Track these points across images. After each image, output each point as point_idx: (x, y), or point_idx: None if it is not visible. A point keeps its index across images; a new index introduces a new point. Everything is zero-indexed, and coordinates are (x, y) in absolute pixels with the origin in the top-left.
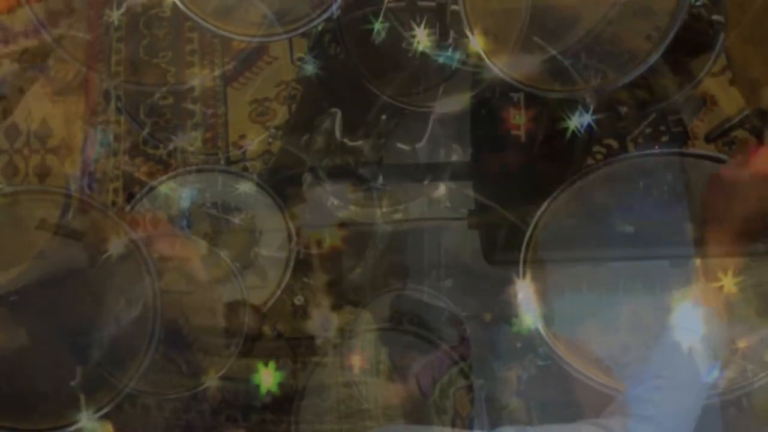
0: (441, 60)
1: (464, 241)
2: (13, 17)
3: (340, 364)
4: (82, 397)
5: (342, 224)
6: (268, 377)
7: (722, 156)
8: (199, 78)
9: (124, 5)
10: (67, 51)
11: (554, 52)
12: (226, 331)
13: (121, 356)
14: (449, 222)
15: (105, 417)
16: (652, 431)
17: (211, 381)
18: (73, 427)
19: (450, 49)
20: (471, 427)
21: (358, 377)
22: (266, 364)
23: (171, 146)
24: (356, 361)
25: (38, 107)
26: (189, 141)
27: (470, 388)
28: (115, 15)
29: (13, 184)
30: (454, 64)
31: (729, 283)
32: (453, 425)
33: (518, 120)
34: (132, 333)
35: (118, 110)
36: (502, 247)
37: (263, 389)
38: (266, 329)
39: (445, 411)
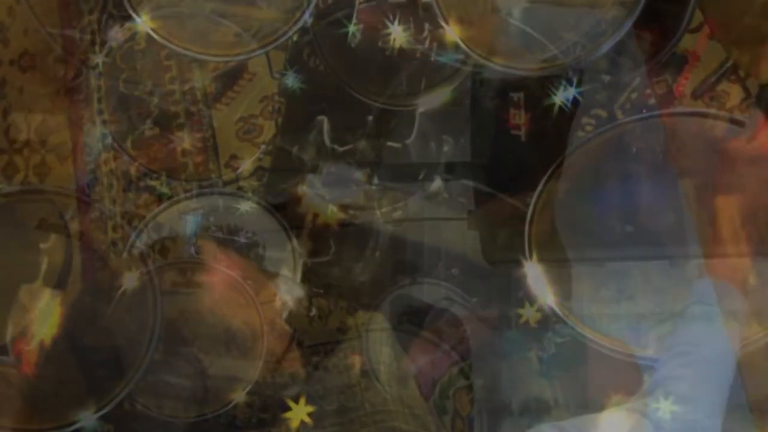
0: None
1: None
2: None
3: (360, 365)
4: None
5: (344, 225)
6: (299, 412)
7: (710, 111)
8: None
9: (107, 47)
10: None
11: (532, 32)
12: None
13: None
14: (450, 213)
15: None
16: (687, 409)
17: (240, 397)
18: (73, 427)
19: (427, 42)
20: (471, 428)
21: (380, 377)
22: (296, 400)
23: (171, 146)
24: (376, 362)
25: (38, 107)
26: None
27: (470, 388)
28: (98, 58)
29: (13, 184)
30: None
31: None
32: (453, 425)
33: (518, 120)
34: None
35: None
36: (503, 247)
37: (296, 422)
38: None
39: (445, 411)
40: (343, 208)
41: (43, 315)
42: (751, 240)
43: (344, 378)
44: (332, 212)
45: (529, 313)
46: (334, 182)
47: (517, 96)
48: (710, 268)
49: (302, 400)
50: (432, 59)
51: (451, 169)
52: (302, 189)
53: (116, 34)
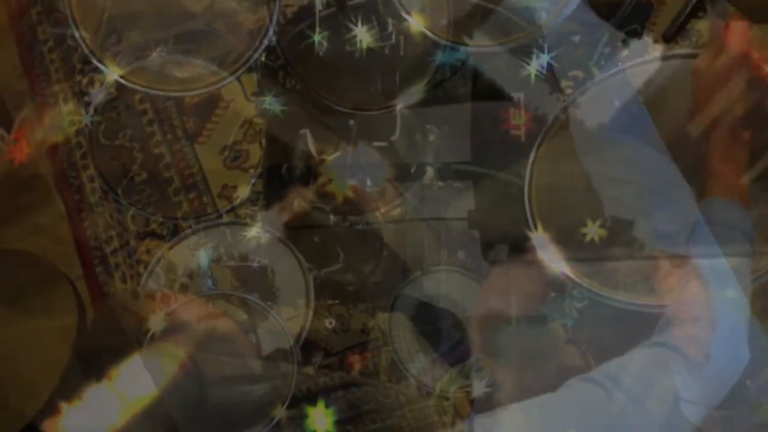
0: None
1: (461, 211)
2: None
3: (388, 362)
4: None
5: (348, 226)
6: (321, 418)
7: (684, 51)
8: None
9: (91, 107)
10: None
11: (494, 6)
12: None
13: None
14: (449, 200)
15: None
16: (706, 330)
17: (281, 413)
18: None
19: (392, 36)
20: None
21: (410, 371)
22: (314, 403)
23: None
24: (405, 359)
25: None
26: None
27: (470, 388)
28: (87, 118)
29: None
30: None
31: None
32: (453, 425)
33: (518, 120)
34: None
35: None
36: (502, 246)
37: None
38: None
39: (445, 411)
40: (344, 213)
41: (60, 120)
42: (745, 153)
43: (375, 376)
44: (346, 186)
45: (593, 231)
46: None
47: (518, 96)
48: (709, 188)
49: (321, 402)
50: (400, 53)
51: (441, 157)
52: (299, 203)
53: (94, 90)
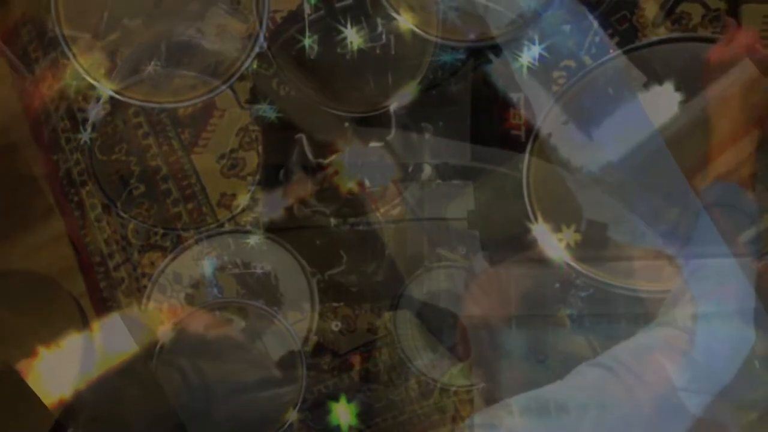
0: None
1: (461, 210)
2: None
3: (396, 360)
4: None
5: (352, 225)
6: (344, 413)
7: (675, 35)
8: None
9: (90, 123)
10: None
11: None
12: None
13: None
14: (448, 199)
15: None
16: (711, 310)
17: (293, 416)
18: None
19: (383, 36)
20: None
21: (420, 369)
22: (336, 399)
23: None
24: (414, 357)
25: None
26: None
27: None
28: (85, 135)
29: None
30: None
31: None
32: (453, 424)
33: (518, 119)
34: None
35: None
36: (503, 245)
37: (344, 428)
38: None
39: (445, 411)
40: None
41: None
42: (749, 136)
43: (383, 374)
44: (351, 181)
45: (568, 236)
46: (325, 196)
47: (518, 96)
48: (713, 171)
49: (343, 398)
50: (392, 53)
51: (439, 156)
52: (298, 207)
53: (94, 108)
